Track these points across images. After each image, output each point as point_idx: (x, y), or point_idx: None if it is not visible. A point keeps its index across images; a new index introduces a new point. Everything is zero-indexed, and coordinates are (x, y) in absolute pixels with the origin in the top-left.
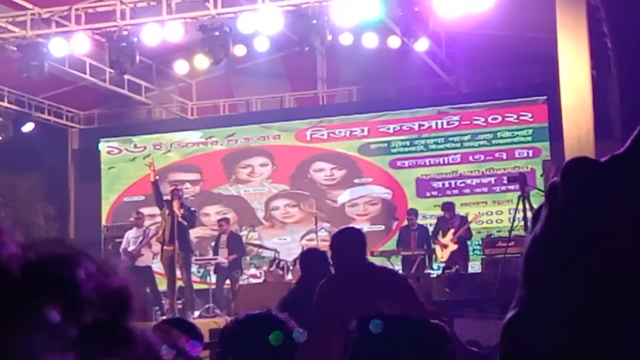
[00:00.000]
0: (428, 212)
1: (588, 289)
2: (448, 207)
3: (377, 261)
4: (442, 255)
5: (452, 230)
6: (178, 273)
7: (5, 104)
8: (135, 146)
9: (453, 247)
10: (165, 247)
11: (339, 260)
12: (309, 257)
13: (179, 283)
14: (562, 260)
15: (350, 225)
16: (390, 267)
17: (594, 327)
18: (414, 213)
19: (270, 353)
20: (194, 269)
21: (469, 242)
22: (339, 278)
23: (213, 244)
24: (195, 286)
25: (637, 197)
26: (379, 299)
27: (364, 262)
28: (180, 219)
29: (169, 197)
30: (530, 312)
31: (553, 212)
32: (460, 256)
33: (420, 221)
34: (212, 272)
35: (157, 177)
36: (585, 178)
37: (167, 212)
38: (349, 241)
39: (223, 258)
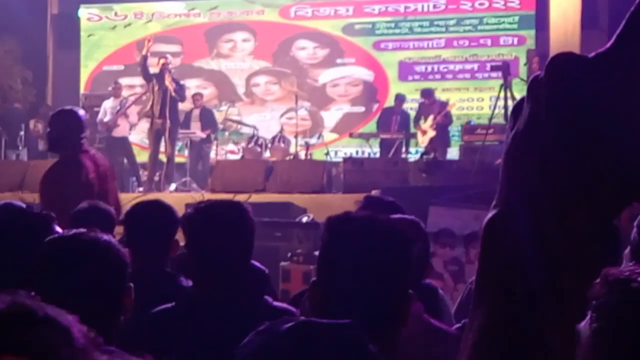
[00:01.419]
0: (409, 96)
1: (574, 181)
2: (427, 93)
3: (355, 143)
4: (422, 140)
5: (431, 116)
6: (162, 147)
7: None
8: (115, 14)
9: (432, 133)
10: (155, 120)
11: (56, 139)
12: None
13: (161, 157)
14: (549, 153)
15: (69, 107)
16: (368, 149)
17: (582, 217)
18: (401, 99)
19: (227, 243)
20: None
21: (449, 129)
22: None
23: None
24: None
25: (618, 91)
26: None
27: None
28: (172, 93)
29: (157, 71)
30: (516, 208)
31: (537, 107)
32: (439, 142)
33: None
34: (188, 146)
35: (148, 53)
36: (570, 73)
37: (156, 86)
38: (67, 121)
39: (199, 132)
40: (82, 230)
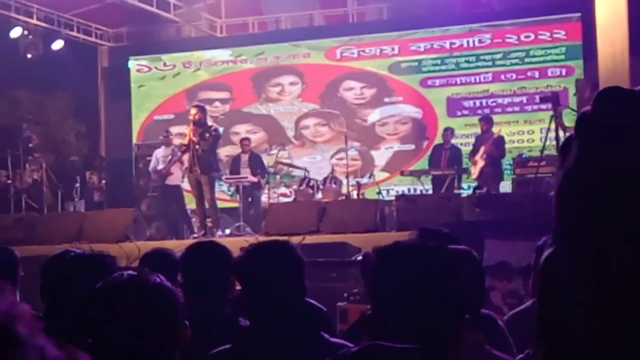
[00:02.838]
0: (459, 132)
1: (621, 224)
2: (485, 119)
3: (407, 181)
4: (474, 172)
5: (483, 147)
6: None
7: (34, 21)
8: (164, 64)
9: (481, 163)
10: (189, 173)
11: None
12: None
13: (206, 204)
14: (597, 194)
15: None
16: (420, 186)
17: (624, 270)
18: (450, 131)
19: (277, 281)
20: (224, 187)
21: (501, 162)
22: None
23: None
24: (226, 204)
25: None
26: None
27: None
28: (197, 146)
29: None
30: (563, 250)
31: (586, 144)
32: (491, 175)
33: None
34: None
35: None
36: (618, 108)
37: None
38: None
39: (250, 177)
40: (132, 272)
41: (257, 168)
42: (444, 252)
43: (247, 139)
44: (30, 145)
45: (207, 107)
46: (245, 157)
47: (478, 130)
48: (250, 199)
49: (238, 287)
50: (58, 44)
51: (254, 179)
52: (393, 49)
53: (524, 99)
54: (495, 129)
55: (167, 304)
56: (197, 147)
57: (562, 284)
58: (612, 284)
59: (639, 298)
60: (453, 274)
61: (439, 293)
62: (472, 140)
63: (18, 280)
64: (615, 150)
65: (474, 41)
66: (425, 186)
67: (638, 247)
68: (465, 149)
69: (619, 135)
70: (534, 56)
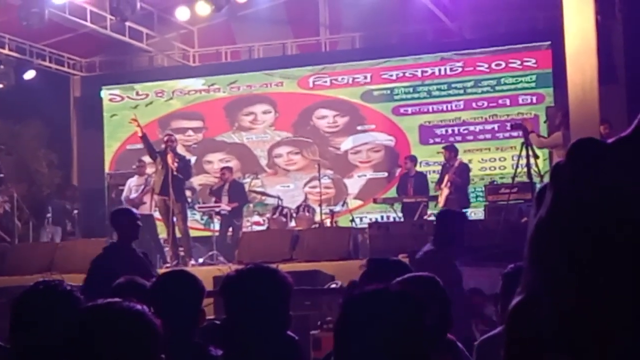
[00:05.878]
0: (431, 159)
1: (598, 271)
2: (448, 148)
3: (380, 208)
4: (440, 200)
5: (447, 176)
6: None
7: (6, 51)
8: (137, 94)
9: (446, 191)
10: (158, 198)
11: None
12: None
13: (178, 233)
14: (572, 243)
15: None
16: (393, 214)
17: (606, 308)
18: (411, 160)
19: (267, 304)
20: (197, 216)
21: (471, 190)
22: None
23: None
24: (199, 233)
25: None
26: None
27: None
28: (175, 172)
29: (163, 147)
30: (540, 296)
31: (559, 195)
32: (455, 203)
33: (422, 168)
34: (215, 220)
35: (144, 132)
36: (591, 160)
37: (160, 164)
38: None
39: (224, 205)
40: (117, 299)
41: (235, 196)
42: (408, 295)
43: (226, 168)
44: (1, 175)
45: (180, 136)
46: (226, 186)
47: None
48: (231, 229)
49: (208, 317)
50: (30, 74)
51: (228, 208)
52: (365, 78)
53: (496, 126)
54: (466, 157)
55: (148, 332)
56: (174, 174)
57: (539, 328)
58: (589, 332)
59: (616, 342)
60: (417, 318)
61: (403, 339)
62: None
63: None
64: (587, 204)
65: (445, 69)
66: (398, 214)
67: (604, 299)
68: (436, 176)
69: (591, 188)
70: (504, 84)
